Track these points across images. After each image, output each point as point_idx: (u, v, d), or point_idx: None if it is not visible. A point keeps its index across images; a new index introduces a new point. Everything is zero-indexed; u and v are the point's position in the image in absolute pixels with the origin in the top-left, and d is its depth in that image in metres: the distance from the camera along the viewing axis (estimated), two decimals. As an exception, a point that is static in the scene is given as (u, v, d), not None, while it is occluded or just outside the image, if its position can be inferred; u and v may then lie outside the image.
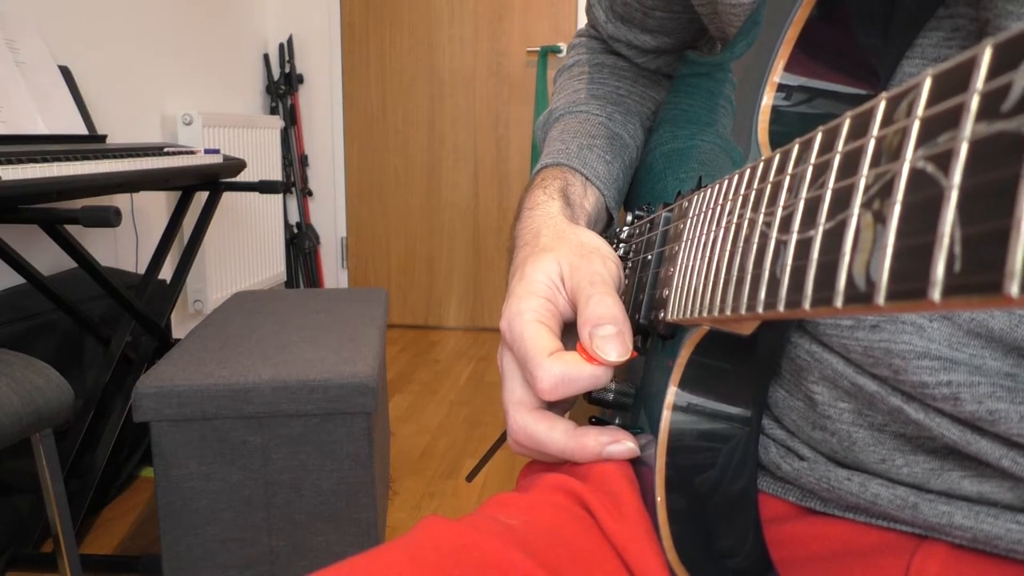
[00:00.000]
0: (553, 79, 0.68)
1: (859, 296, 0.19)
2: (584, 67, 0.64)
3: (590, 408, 0.55)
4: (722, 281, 0.29)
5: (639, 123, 0.59)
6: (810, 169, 0.23)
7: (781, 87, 0.36)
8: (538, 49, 2.97)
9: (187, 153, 1.74)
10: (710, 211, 0.32)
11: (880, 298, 0.18)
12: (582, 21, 2.97)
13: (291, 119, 3.04)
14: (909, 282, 0.17)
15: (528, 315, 0.41)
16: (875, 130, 0.20)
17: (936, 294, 0.16)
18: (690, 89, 0.51)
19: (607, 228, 0.58)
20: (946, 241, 0.16)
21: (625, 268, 0.46)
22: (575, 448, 0.40)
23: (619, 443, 0.39)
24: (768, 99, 0.36)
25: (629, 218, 0.51)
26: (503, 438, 0.63)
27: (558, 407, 0.45)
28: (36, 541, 1.45)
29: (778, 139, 0.36)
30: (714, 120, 0.45)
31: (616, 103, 0.60)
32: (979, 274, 0.15)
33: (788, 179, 0.24)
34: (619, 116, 0.58)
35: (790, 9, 0.35)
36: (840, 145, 0.21)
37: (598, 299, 0.39)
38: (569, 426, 0.41)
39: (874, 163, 0.19)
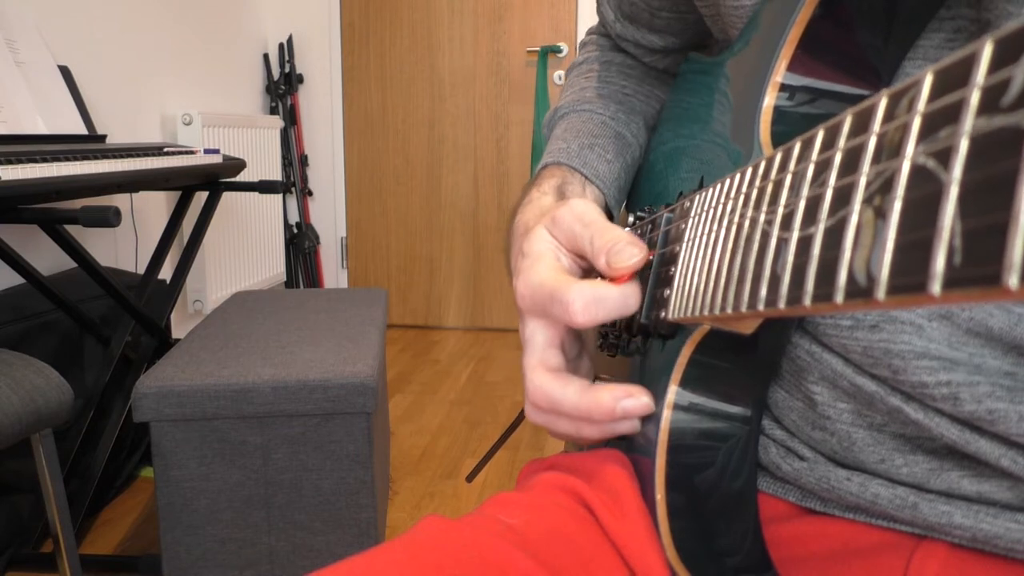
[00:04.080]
0: (565, 73, 0.69)
1: (859, 291, 0.19)
2: (593, 64, 0.64)
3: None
4: (723, 280, 0.29)
5: (643, 122, 0.60)
6: (811, 167, 0.23)
7: (784, 87, 0.36)
8: (538, 49, 2.97)
9: (187, 153, 1.74)
10: (711, 210, 0.32)
11: (880, 293, 0.18)
12: (582, 21, 2.97)
13: (291, 119, 3.04)
14: (909, 276, 0.17)
15: (542, 266, 0.41)
16: (876, 127, 0.20)
17: (936, 287, 0.16)
18: (690, 86, 0.51)
19: None
20: (946, 235, 0.16)
21: None
22: (589, 403, 0.39)
23: (633, 397, 0.38)
24: (770, 99, 0.36)
25: (631, 219, 0.51)
26: (503, 438, 0.63)
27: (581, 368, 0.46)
28: (36, 541, 1.45)
29: (780, 139, 0.36)
30: (712, 117, 0.45)
31: (621, 102, 0.60)
32: (979, 267, 0.15)
33: (790, 177, 0.24)
34: (623, 115, 0.59)
35: (792, 9, 0.35)
36: (841, 142, 0.21)
37: (598, 231, 0.39)
38: (583, 383, 0.40)
39: (875, 160, 0.19)
